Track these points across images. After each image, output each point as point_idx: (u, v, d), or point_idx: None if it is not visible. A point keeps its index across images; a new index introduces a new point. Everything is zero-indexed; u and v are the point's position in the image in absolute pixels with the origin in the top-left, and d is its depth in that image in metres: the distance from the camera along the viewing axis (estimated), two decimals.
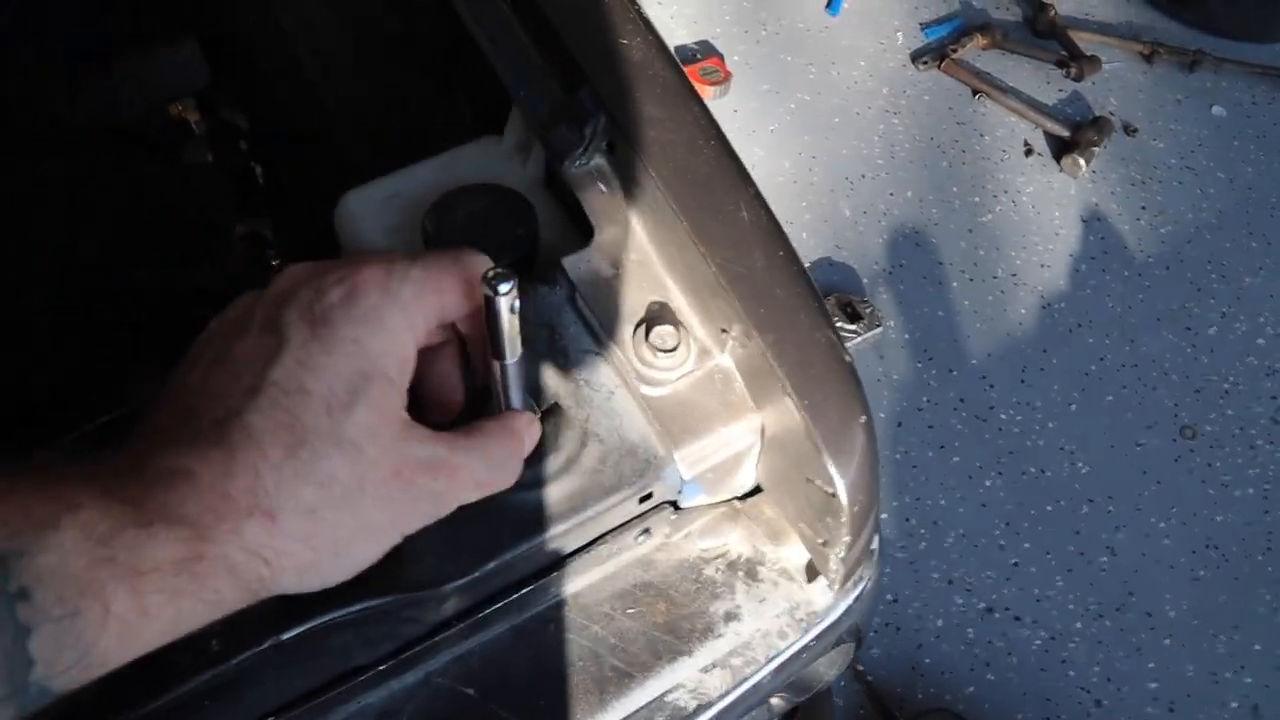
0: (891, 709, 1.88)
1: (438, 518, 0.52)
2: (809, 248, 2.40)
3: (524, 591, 0.65)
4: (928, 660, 1.95)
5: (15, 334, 1.05)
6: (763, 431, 0.67)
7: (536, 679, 0.65)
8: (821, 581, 0.70)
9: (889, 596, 2.00)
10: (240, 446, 0.46)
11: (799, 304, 0.64)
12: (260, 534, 0.46)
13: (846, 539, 0.64)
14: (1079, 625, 2.03)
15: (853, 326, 2.23)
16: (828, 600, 0.71)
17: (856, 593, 0.72)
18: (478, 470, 0.53)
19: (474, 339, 0.57)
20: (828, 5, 2.84)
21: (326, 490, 0.48)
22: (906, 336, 2.32)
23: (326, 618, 0.57)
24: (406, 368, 0.52)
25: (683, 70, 0.71)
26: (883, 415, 2.21)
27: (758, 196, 0.67)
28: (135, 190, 1.44)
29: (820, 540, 0.66)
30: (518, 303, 0.52)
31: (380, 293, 0.50)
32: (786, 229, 2.15)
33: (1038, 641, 2.00)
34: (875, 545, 0.73)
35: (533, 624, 0.67)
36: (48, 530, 0.41)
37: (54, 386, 1.08)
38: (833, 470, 0.61)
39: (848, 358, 0.64)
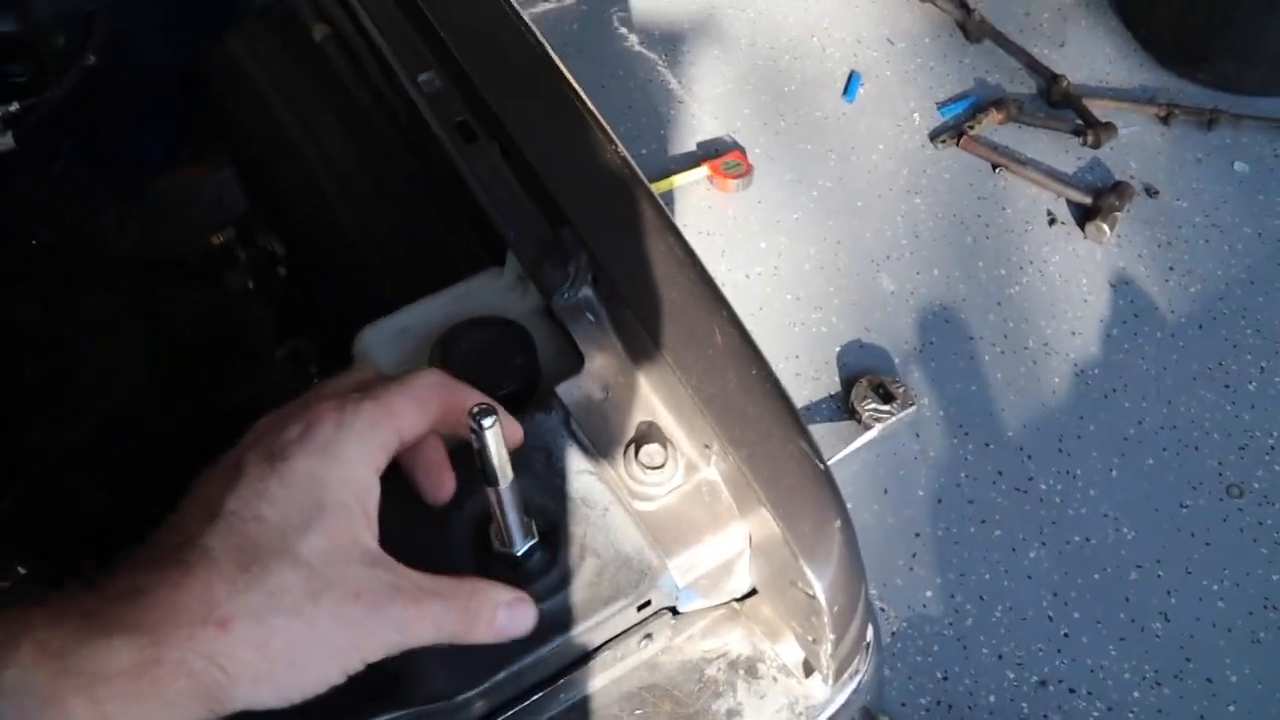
0: None
1: (401, 648, 0.55)
2: (839, 331, 2.45)
3: (534, 699, 0.69)
4: None
5: (62, 460, 1.12)
6: (750, 538, 0.72)
7: None
8: (818, 676, 0.73)
9: (939, 674, 2.00)
10: (196, 564, 0.50)
11: (772, 419, 0.69)
12: (214, 641, 0.48)
13: (831, 637, 0.68)
14: (1137, 694, 2.01)
15: (886, 407, 2.26)
16: (825, 694, 0.74)
17: (854, 685, 0.75)
18: (438, 611, 0.56)
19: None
20: (844, 92, 2.92)
21: (277, 599, 0.50)
22: (941, 413, 2.34)
23: None
24: (367, 495, 0.55)
25: (659, 204, 0.77)
26: (921, 493, 2.22)
27: (732, 319, 0.72)
28: (179, 319, 1.53)
29: (810, 638, 0.70)
30: (500, 434, 0.58)
31: (334, 427, 0.55)
32: (815, 314, 2.21)
33: (1095, 713, 1.98)
34: (869, 637, 0.77)
35: None
36: (9, 649, 0.45)
37: (100, 510, 1.14)
38: (810, 575, 0.65)
39: (822, 466, 0.68)
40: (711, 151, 2.76)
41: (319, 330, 1.58)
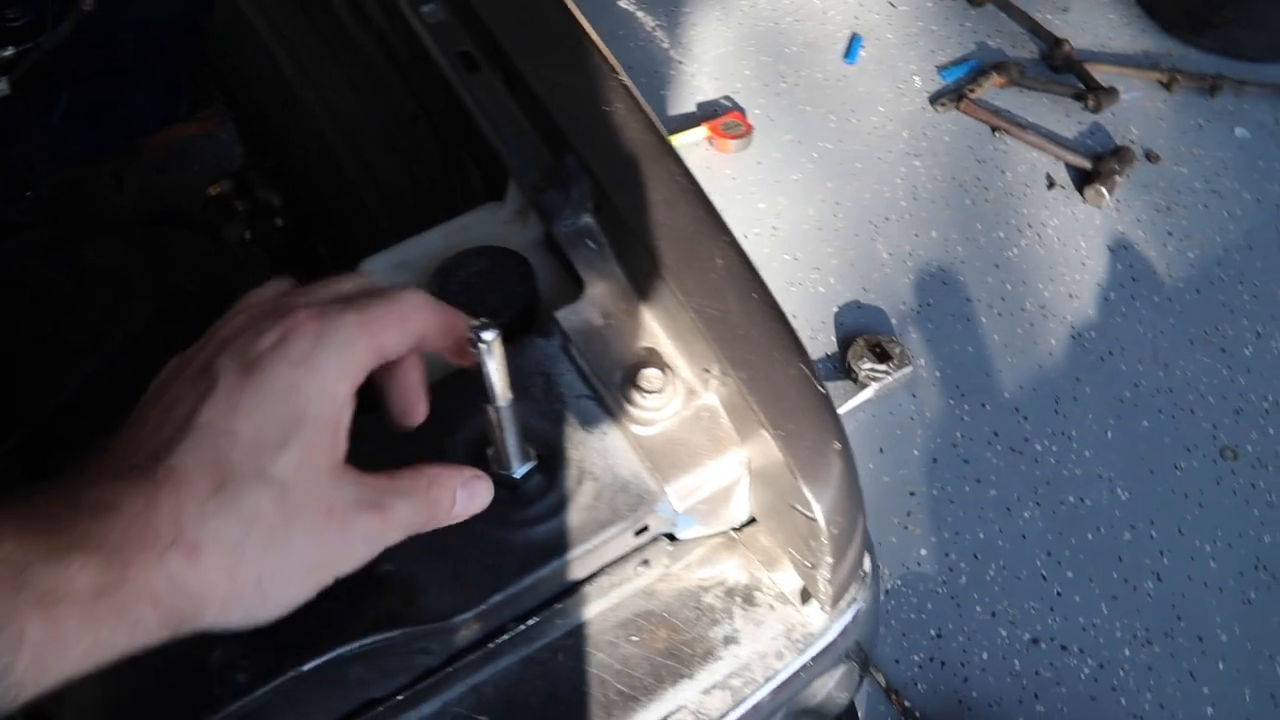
0: None
1: (369, 559, 0.54)
2: (836, 291, 2.44)
3: (532, 622, 0.70)
4: (975, 694, 1.95)
5: (60, 412, 1.12)
6: (749, 464, 0.72)
7: (547, 705, 0.69)
8: (815, 604, 0.74)
9: (932, 631, 2.01)
10: (165, 483, 0.48)
11: (772, 342, 0.69)
12: (182, 566, 0.47)
13: (829, 560, 0.68)
14: (1127, 652, 2.02)
15: (883, 366, 2.26)
16: (822, 621, 0.74)
17: (851, 613, 0.76)
18: (402, 512, 0.55)
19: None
20: (845, 55, 2.90)
21: (250, 526, 0.49)
22: (938, 374, 2.34)
23: (343, 649, 0.62)
24: (342, 411, 0.53)
25: (661, 131, 0.77)
26: (917, 452, 2.23)
27: (732, 244, 0.72)
28: (177, 271, 1.53)
29: (808, 563, 0.70)
30: (500, 350, 0.58)
31: (314, 338, 0.52)
32: (813, 274, 2.21)
33: (1086, 670, 1.99)
34: (866, 567, 0.77)
35: (542, 653, 0.71)
36: None
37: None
38: (810, 495, 0.66)
39: (822, 389, 0.68)
40: (711, 112, 2.75)
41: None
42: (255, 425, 0.50)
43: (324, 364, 0.52)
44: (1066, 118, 2.80)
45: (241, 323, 0.54)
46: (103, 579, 0.45)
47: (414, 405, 0.61)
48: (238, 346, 0.52)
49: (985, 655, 1.99)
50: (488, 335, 0.57)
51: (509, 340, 0.76)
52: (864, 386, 2.24)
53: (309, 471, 0.51)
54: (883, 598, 2.05)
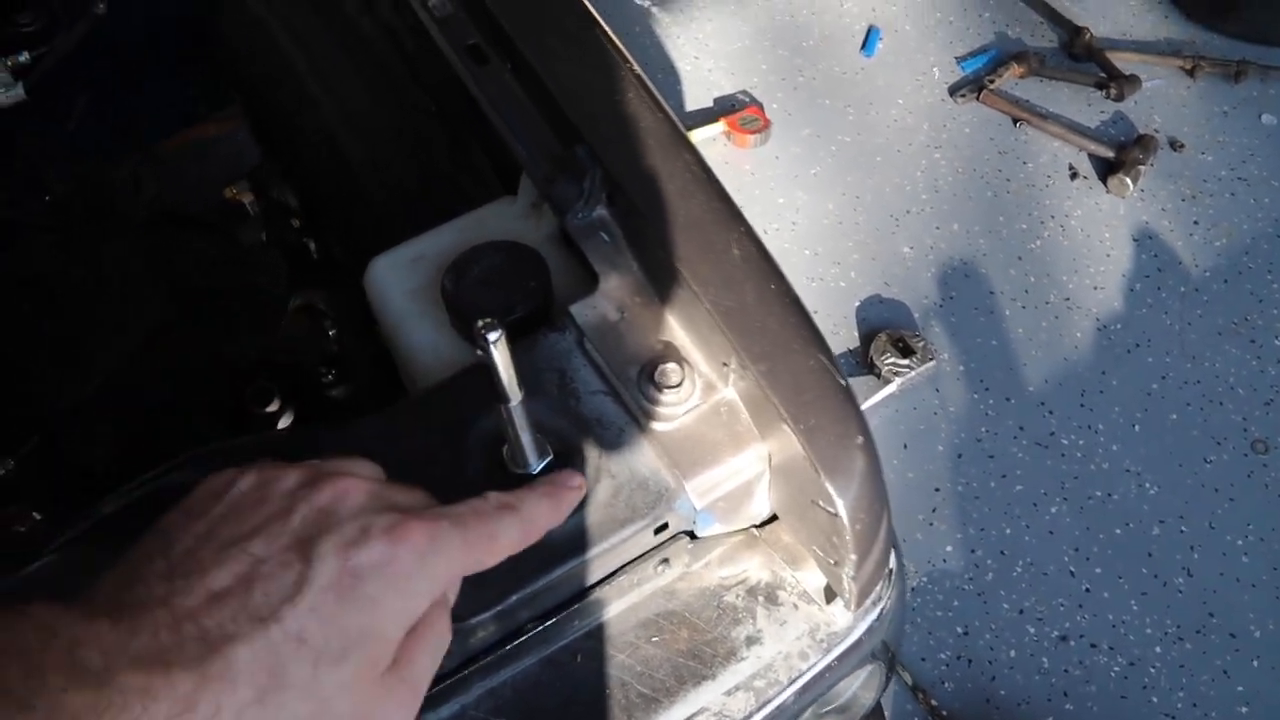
0: None
1: None
2: (857, 286, 2.42)
3: (550, 623, 0.68)
4: (1003, 692, 1.92)
5: (76, 412, 1.11)
6: (770, 459, 0.70)
7: (566, 708, 0.68)
8: (840, 602, 0.72)
9: (959, 629, 1.98)
10: (214, 679, 0.46)
11: (791, 333, 0.67)
12: None
13: (853, 557, 0.66)
14: (1158, 650, 1.99)
15: (906, 361, 2.23)
16: (847, 621, 0.73)
17: (876, 612, 0.74)
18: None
19: None
20: (862, 47, 2.87)
21: None
22: (961, 368, 2.32)
23: None
24: (411, 624, 0.52)
25: (675, 120, 0.75)
26: (941, 448, 2.20)
27: (749, 234, 0.70)
28: (192, 272, 1.52)
29: (831, 561, 0.69)
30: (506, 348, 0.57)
31: (418, 557, 0.51)
32: (834, 269, 2.18)
33: (1116, 668, 1.96)
34: (893, 564, 0.75)
35: (561, 655, 0.70)
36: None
37: (114, 459, 1.14)
38: (832, 491, 0.64)
39: (843, 381, 0.66)
40: (728, 107, 2.73)
41: (339, 283, 1.57)
42: (324, 634, 0.48)
43: (417, 588, 0.51)
44: (1088, 107, 2.77)
45: (354, 503, 0.53)
46: None
47: None
48: (345, 537, 0.50)
49: (1013, 653, 1.96)
50: (492, 335, 0.56)
51: (523, 336, 0.75)
52: (887, 382, 2.22)
53: (354, 688, 0.49)
54: (908, 595, 2.02)
